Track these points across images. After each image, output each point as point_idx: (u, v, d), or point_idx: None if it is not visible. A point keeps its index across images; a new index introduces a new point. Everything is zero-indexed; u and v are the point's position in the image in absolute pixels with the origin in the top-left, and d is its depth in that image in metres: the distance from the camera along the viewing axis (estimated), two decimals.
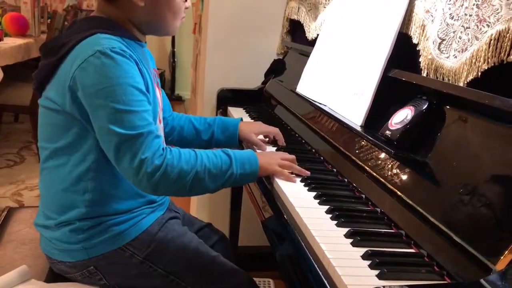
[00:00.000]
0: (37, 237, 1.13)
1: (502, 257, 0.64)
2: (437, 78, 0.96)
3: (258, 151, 1.11)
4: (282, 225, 0.94)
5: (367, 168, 0.99)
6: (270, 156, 1.10)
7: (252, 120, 1.65)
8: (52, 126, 1.02)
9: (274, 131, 1.35)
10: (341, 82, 1.30)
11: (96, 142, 0.98)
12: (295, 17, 1.91)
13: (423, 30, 1.04)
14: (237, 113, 1.78)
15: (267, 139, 1.36)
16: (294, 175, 1.08)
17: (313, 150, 1.30)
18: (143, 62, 1.04)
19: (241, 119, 1.38)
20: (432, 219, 0.77)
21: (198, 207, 2.22)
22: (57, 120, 1.00)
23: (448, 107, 0.90)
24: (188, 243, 1.11)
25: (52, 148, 1.02)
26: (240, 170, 1.02)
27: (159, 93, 1.14)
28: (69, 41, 0.98)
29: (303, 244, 0.83)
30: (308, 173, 1.09)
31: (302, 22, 1.84)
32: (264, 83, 1.98)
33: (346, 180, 1.08)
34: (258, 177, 1.07)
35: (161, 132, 1.12)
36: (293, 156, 1.12)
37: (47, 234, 1.07)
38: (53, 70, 0.99)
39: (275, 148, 1.31)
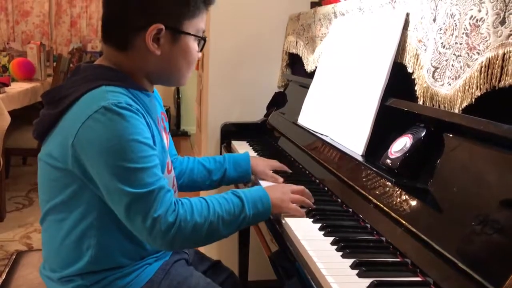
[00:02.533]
0: None
1: (507, 283, 0.64)
2: (433, 105, 0.98)
3: (265, 185, 1.11)
4: (288, 259, 0.94)
5: (370, 197, 1.00)
6: (281, 192, 1.08)
7: (256, 153, 1.67)
8: (51, 181, 0.99)
9: (282, 166, 1.38)
10: (341, 113, 1.32)
11: (96, 199, 0.95)
12: (293, 50, 1.95)
13: (417, 59, 1.06)
14: (241, 146, 1.79)
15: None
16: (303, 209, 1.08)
17: (317, 181, 1.30)
18: (150, 112, 1.01)
19: (248, 153, 1.40)
20: (436, 247, 0.78)
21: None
22: (56, 175, 0.97)
23: (445, 133, 0.91)
24: (195, 285, 1.08)
25: (52, 203, 1.00)
26: (252, 210, 1.01)
27: (166, 139, 1.11)
28: (72, 92, 0.95)
29: (309, 277, 0.83)
30: (312, 206, 1.09)
31: (300, 56, 1.88)
32: (266, 115, 2.01)
33: (350, 210, 1.08)
34: (271, 215, 1.06)
35: (171, 183, 1.10)
36: (301, 187, 1.11)
37: (52, 286, 1.05)
38: (55, 122, 0.97)
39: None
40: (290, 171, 1.38)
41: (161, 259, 1.10)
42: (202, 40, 1.05)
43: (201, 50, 1.07)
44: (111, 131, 0.89)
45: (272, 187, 1.11)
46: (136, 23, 0.98)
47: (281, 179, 1.31)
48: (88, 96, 0.93)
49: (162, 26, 0.97)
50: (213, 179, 1.32)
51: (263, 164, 1.36)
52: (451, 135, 0.90)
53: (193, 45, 1.04)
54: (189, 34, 1.01)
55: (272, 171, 1.36)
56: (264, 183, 1.29)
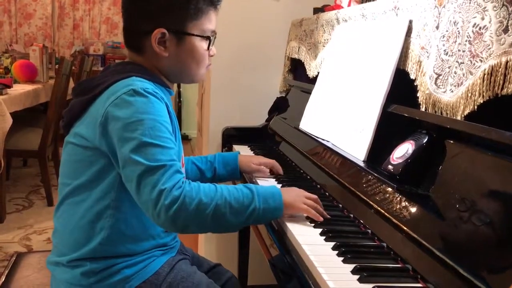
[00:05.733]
0: (46, 282, 1.14)
1: None
2: (435, 112, 0.98)
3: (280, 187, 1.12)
4: (289, 263, 0.95)
5: (372, 203, 1.00)
6: (295, 193, 1.08)
7: None
8: (76, 162, 1.04)
9: (271, 162, 1.41)
10: (343, 118, 1.32)
11: (117, 180, 1.00)
12: (295, 56, 1.96)
13: (419, 66, 1.07)
14: (242, 150, 1.79)
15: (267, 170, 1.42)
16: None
17: (318, 186, 1.30)
18: (171, 108, 1.09)
19: (239, 153, 1.43)
20: (437, 253, 0.78)
21: (206, 247, 2.22)
22: (83, 156, 1.03)
23: (447, 140, 0.91)
24: (198, 283, 1.11)
25: (74, 184, 1.04)
26: (263, 204, 1.00)
27: None
28: (104, 81, 1.03)
29: (310, 282, 0.83)
30: (327, 216, 1.06)
31: (302, 61, 1.88)
32: (267, 120, 2.01)
33: (352, 215, 1.09)
34: (283, 214, 1.04)
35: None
36: (316, 196, 1.10)
37: (58, 274, 1.07)
38: (85, 107, 1.04)
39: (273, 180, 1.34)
40: (281, 172, 1.41)
41: (168, 254, 1.13)
42: (208, 39, 1.11)
43: (208, 47, 1.12)
44: (136, 109, 0.97)
45: (287, 188, 1.11)
46: (143, 28, 1.07)
47: (266, 172, 1.36)
48: (118, 84, 1.01)
49: (165, 30, 1.06)
50: (206, 177, 1.36)
51: (246, 160, 1.39)
52: (453, 142, 0.90)
53: (200, 44, 1.10)
54: (193, 35, 1.08)
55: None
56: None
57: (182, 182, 0.96)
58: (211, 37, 1.12)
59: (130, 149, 0.94)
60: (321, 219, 1.04)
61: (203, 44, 1.11)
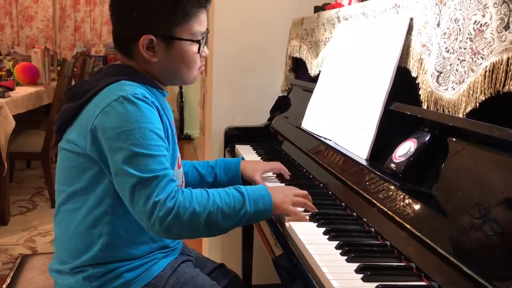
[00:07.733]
0: (51, 284, 1.14)
1: None
2: (437, 110, 0.98)
3: (269, 185, 1.12)
4: (293, 263, 0.95)
5: (375, 202, 1.00)
6: (283, 193, 1.09)
7: (259, 157, 1.67)
8: (70, 169, 1.04)
9: (277, 166, 1.37)
10: (345, 117, 1.32)
11: (112, 186, 1.00)
12: (297, 55, 1.96)
13: (421, 64, 1.06)
14: (244, 150, 1.80)
15: (274, 175, 1.39)
16: (306, 214, 1.08)
17: (321, 185, 1.31)
18: (165, 110, 1.08)
19: (242, 158, 1.40)
20: (441, 251, 0.78)
21: (210, 247, 2.22)
22: (76, 162, 1.02)
23: (449, 138, 0.91)
24: (201, 285, 1.11)
25: (69, 191, 1.04)
26: (253, 208, 1.01)
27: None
28: (94, 86, 1.02)
29: (314, 281, 0.83)
30: (316, 210, 1.09)
31: (304, 60, 1.88)
32: (270, 120, 2.01)
33: (355, 214, 1.09)
34: (272, 215, 1.07)
35: (178, 177, 1.13)
36: (305, 192, 1.12)
37: (61, 280, 1.07)
38: (76, 113, 1.03)
39: (282, 184, 1.33)
40: (288, 173, 1.37)
41: (169, 256, 1.13)
42: (198, 43, 1.09)
43: (199, 51, 1.09)
44: (125, 118, 0.95)
45: (275, 188, 1.12)
46: (131, 34, 1.05)
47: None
48: (108, 88, 1.00)
49: (152, 37, 1.03)
50: (206, 182, 1.34)
51: (251, 168, 1.35)
52: (455, 140, 0.90)
53: (189, 48, 1.08)
54: (182, 39, 1.06)
55: (272, 173, 1.37)
56: (268, 184, 1.29)
57: (175, 192, 0.96)
58: (201, 40, 1.09)
59: (122, 160, 0.94)
60: (307, 220, 1.06)
61: (194, 48, 1.08)
